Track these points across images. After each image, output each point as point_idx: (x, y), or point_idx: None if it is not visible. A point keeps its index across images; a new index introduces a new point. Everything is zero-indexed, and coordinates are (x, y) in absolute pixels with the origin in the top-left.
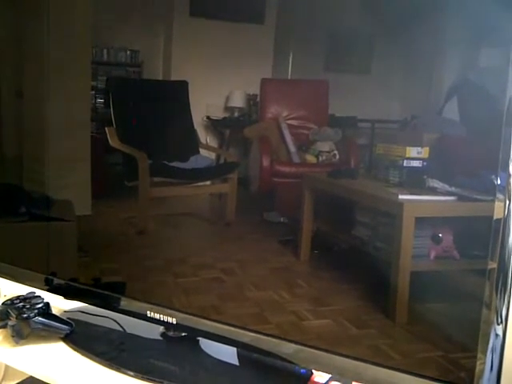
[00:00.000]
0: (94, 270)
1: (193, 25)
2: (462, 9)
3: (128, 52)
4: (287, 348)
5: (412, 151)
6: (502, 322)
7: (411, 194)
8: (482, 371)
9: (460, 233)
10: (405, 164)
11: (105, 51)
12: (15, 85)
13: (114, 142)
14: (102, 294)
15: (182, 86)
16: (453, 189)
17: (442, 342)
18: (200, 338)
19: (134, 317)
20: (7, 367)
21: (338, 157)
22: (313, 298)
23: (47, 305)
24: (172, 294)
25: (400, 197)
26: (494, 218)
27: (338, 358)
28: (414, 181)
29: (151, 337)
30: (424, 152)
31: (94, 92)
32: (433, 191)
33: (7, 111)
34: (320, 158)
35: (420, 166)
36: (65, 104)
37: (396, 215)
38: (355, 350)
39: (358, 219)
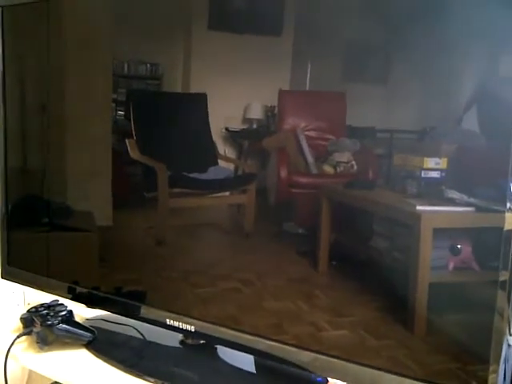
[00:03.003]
0: (114, 279)
1: (211, 38)
2: (480, 18)
3: (148, 65)
4: (304, 356)
5: (430, 162)
6: None
7: (429, 204)
8: (495, 382)
9: (479, 244)
10: (423, 175)
11: (125, 64)
12: (39, 99)
13: (134, 153)
14: (122, 302)
15: (201, 98)
16: (471, 199)
17: (460, 353)
18: (218, 346)
19: (154, 325)
20: (31, 372)
21: (355, 167)
22: (331, 308)
23: (70, 312)
24: (191, 304)
25: (418, 208)
26: (505, 228)
27: (353, 366)
28: (432, 191)
29: (170, 344)
30: (442, 163)
31: (114, 104)
32: (451, 202)
33: (31, 124)
34: (338, 169)
35: (438, 176)
36: (86, 117)
37: (414, 226)
38: (373, 361)
39: (376, 230)
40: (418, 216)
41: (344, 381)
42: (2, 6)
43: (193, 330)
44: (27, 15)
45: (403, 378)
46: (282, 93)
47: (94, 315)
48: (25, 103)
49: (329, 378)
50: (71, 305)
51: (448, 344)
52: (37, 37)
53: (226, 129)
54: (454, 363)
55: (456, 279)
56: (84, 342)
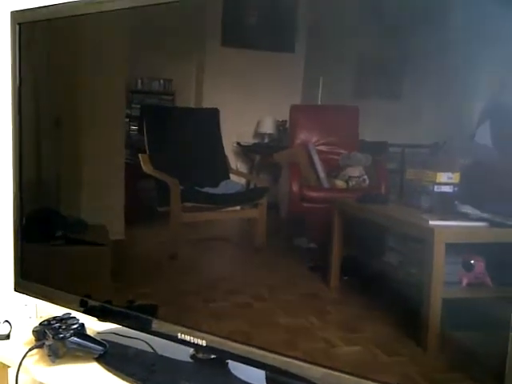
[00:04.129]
0: (126, 292)
1: (224, 54)
2: (494, 32)
3: (161, 81)
4: (315, 372)
5: (443, 176)
6: None
7: (442, 219)
8: None
9: (492, 259)
10: (435, 189)
11: (139, 80)
12: (54, 113)
13: (147, 168)
14: (134, 315)
15: (214, 113)
16: (484, 214)
17: (474, 372)
18: (229, 361)
19: (165, 338)
20: None
21: (367, 182)
22: (342, 324)
23: (82, 326)
24: (203, 318)
25: (431, 222)
26: None
27: (366, 382)
28: (445, 206)
29: (181, 359)
30: (455, 177)
31: (128, 119)
32: (464, 217)
33: (46, 139)
34: (350, 184)
35: (451, 191)
36: (100, 131)
37: (427, 241)
38: (385, 377)
39: (388, 245)
40: (430, 231)
41: None
42: (20, 23)
43: (204, 345)
44: (44, 31)
45: None
46: (293, 107)
47: (106, 329)
48: (39, 117)
49: None
50: (83, 318)
51: (462, 362)
52: (52, 52)
53: (238, 143)
54: (469, 381)
55: (470, 295)
56: (95, 356)
